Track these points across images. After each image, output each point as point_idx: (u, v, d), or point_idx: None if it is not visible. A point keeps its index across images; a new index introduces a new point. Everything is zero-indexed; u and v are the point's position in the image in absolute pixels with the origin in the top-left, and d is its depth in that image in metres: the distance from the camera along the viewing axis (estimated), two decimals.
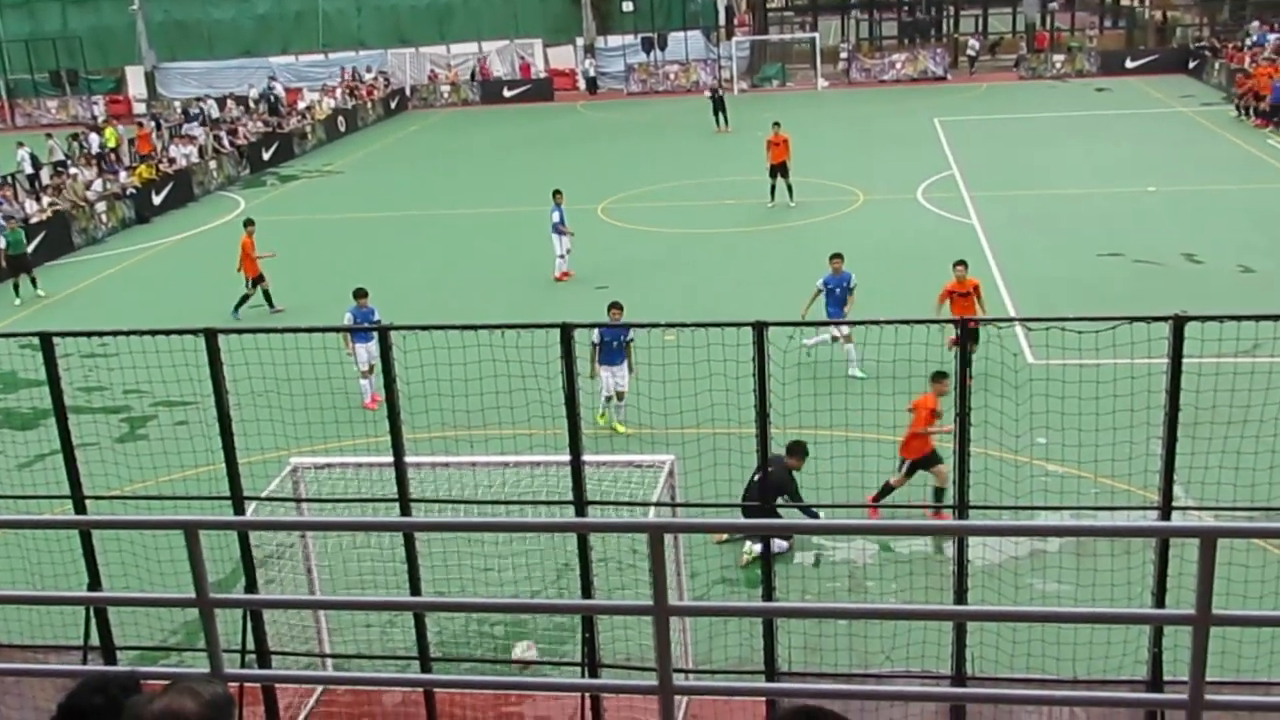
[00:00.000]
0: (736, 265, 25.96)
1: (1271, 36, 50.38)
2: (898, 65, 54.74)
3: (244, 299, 24.02)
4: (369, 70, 55.83)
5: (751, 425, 9.50)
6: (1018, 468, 13.98)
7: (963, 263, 18.43)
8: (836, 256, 19.61)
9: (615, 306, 16.62)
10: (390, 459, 9.49)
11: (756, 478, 13.23)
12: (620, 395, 16.95)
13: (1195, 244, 25.69)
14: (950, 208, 30.01)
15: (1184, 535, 8.38)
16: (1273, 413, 11.21)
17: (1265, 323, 8.91)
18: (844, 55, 56.26)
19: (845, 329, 18.68)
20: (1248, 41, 49.96)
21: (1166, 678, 8.93)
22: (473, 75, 56.43)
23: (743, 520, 11.12)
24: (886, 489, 13.81)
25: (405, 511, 9.29)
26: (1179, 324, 8.57)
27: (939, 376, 13.49)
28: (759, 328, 9.18)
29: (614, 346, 16.76)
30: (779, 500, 13.46)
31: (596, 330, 16.40)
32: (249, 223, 24.63)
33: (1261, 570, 11.39)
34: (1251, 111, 39.61)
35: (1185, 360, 8.70)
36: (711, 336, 10.42)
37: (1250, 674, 9.74)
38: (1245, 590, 10.99)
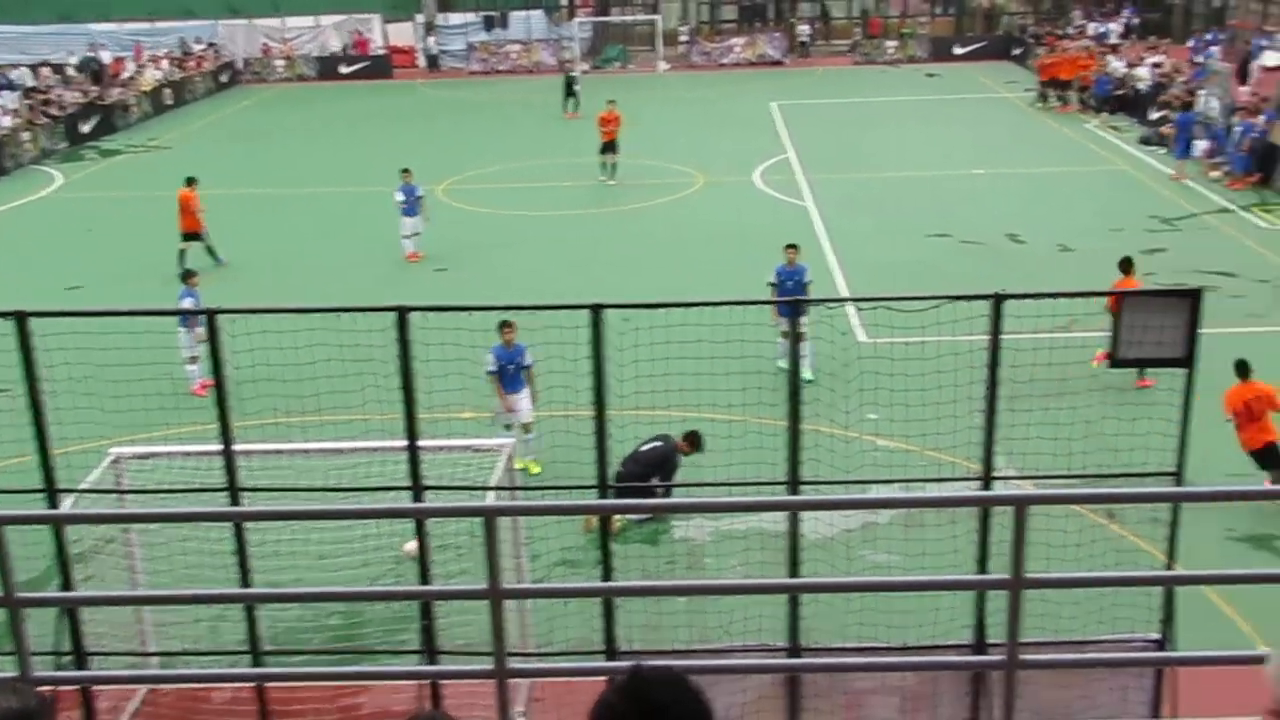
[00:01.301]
0: (577, 247, 26.00)
1: (1093, 25, 52.56)
2: (737, 49, 55.36)
3: (182, 254, 24.05)
4: (198, 41, 54.04)
5: (593, 407, 9.54)
6: (848, 443, 14.33)
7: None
8: (791, 246, 18.39)
9: (507, 326, 15.07)
10: (219, 447, 9.26)
11: (644, 448, 13.39)
12: (526, 427, 15.35)
13: (1018, 224, 26.66)
14: (786, 190, 30.55)
15: (998, 504, 8.70)
16: (1085, 384, 11.72)
17: (1079, 298, 9.31)
18: (685, 38, 56.66)
19: (801, 325, 17.95)
20: (1069, 29, 52.01)
21: (991, 641, 9.29)
22: (346, 48, 54.87)
23: (571, 502, 11.15)
24: None
25: (235, 501, 9.08)
26: (998, 301, 8.89)
27: None
28: (595, 310, 9.22)
29: (511, 371, 15.21)
30: (654, 478, 13.60)
31: (490, 356, 15.08)
32: (192, 180, 24.69)
33: (1078, 534, 11.91)
34: (1056, 98, 41.14)
35: (1005, 336, 9.03)
36: (549, 319, 10.43)
37: (1068, 634, 10.18)
38: (1064, 554, 11.50)
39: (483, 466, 10.27)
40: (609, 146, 31.97)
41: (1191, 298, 9.00)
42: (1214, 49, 42.40)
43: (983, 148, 35.14)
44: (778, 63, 54.67)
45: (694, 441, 13.55)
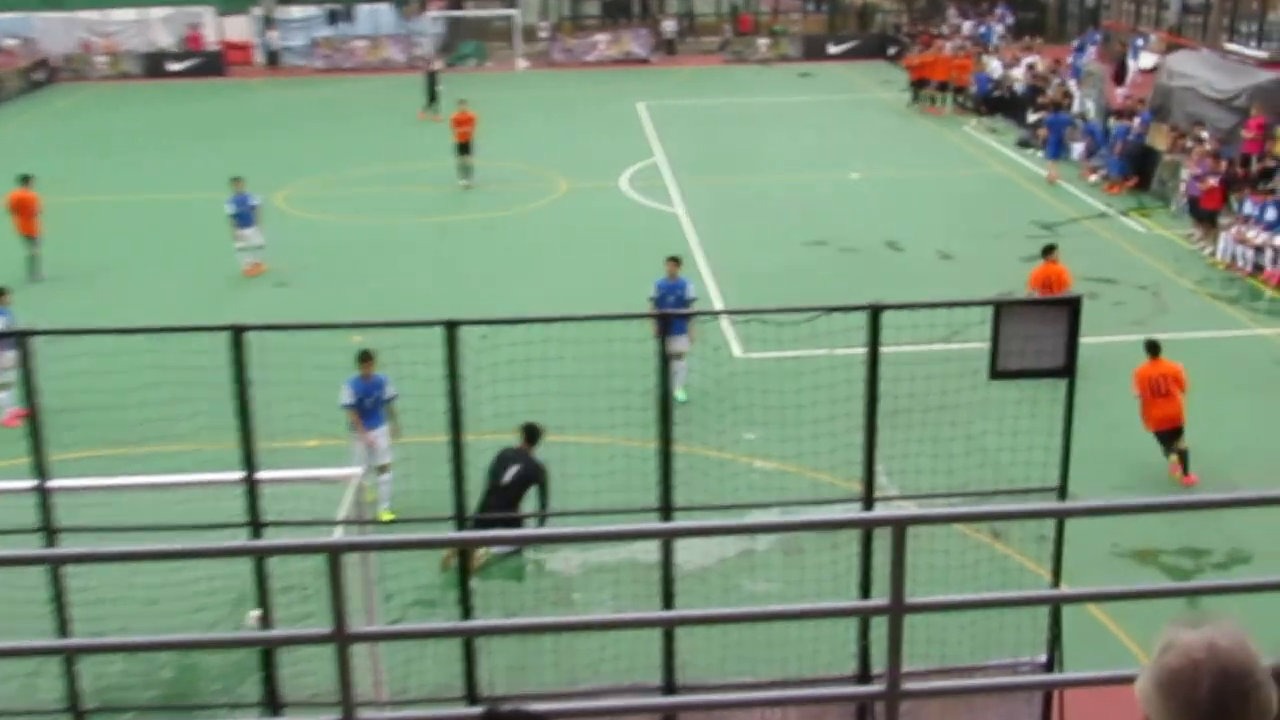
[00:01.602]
0: (431, 259, 25.79)
1: (968, 24, 54.03)
2: (601, 46, 55.61)
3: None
4: (11, 36, 52.27)
5: (450, 432, 9.43)
6: (724, 465, 14.43)
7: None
8: (672, 259, 18.19)
9: (366, 359, 14.59)
10: (33, 483, 8.92)
11: (509, 479, 13.21)
12: (383, 468, 14.89)
13: (897, 231, 27.25)
14: (656, 196, 30.75)
15: (877, 525, 8.82)
16: (968, 398, 12.00)
17: (961, 308, 9.51)
18: (545, 34, 56.71)
19: (682, 343, 17.32)
20: (944, 28, 53.38)
21: (876, 670, 9.42)
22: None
23: (427, 535, 11.01)
24: None
25: (51, 543, 8.76)
26: (876, 313, 9.04)
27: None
28: (450, 326, 9.13)
29: (369, 405, 14.75)
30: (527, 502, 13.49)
31: (346, 389, 14.65)
32: (27, 178, 24.98)
33: (962, 556, 12.17)
34: (926, 98, 42.16)
35: (884, 349, 9.19)
36: (401, 337, 10.29)
37: (955, 660, 10.37)
38: (948, 577, 11.73)
39: (329, 499, 10.08)
40: (464, 148, 31.94)
41: (1071, 306, 9.27)
42: (1090, 50, 43.92)
43: (859, 151, 35.87)
44: (644, 61, 55.06)
45: (532, 437, 13.39)
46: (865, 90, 47.02)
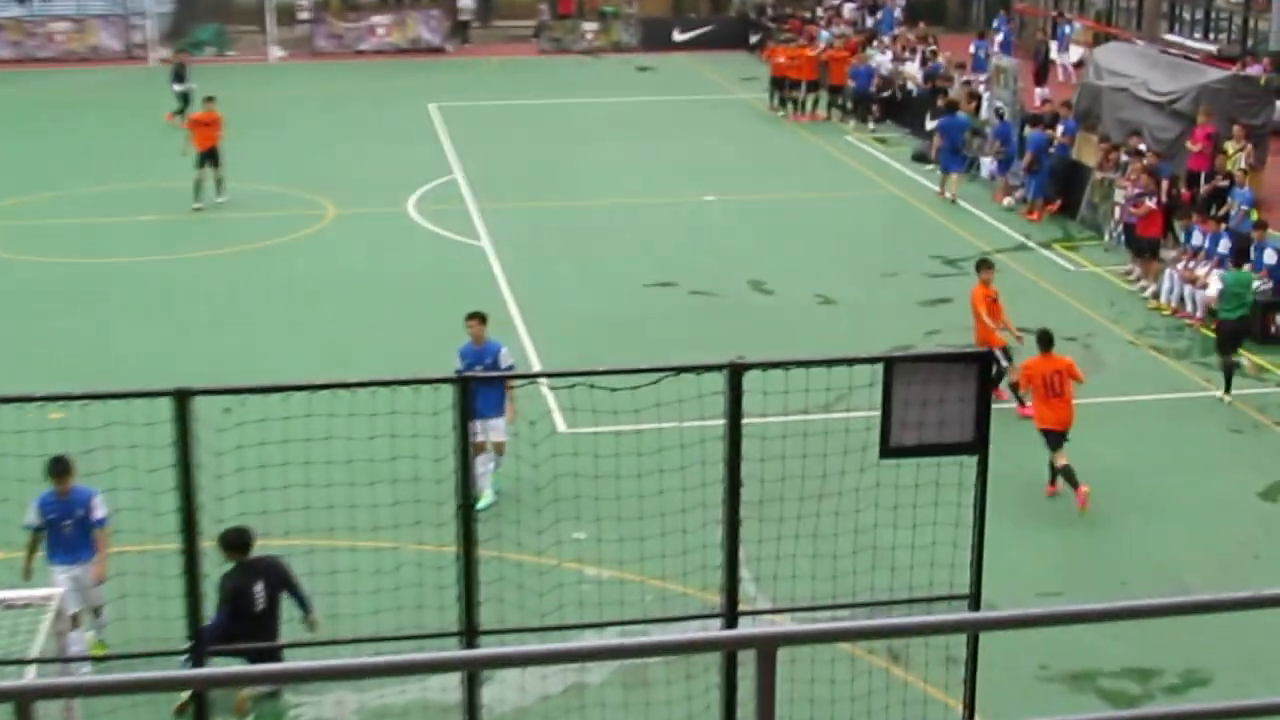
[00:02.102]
0: (158, 308, 25.34)
1: (850, 5, 55.40)
2: (379, 31, 55.59)
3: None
4: None
5: (181, 538, 9.27)
6: (545, 574, 14.42)
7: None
8: (475, 317, 17.91)
9: (61, 470, 14.07)
10: None
11: (261, 603, 12.93)
12: (96, 610, 14.49)
13: (764, 269, 27.71)
14: (453, 224, 30.77)
15: (740, 646, 8.94)
16: (855, 482, 12.22)
17: (845, 368, 9.72)
18: (307, 15, 56.48)
19: (499, 431, 17.30)
20: (819, 12, 54.59)
21: None
22: None
23: (152, 674, 10.73)
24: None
25: None
26: (736, 374, 9.19)
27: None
28: (181, 397, 9.00)
29: (67, 529, 14.17)
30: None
31: (33, 508, 14.15)
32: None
33: (852, 684, 12.34)
34: (790, 104, 43.13)
35: (748, 420, 9.33)
36: (116, 411, 10.09)
37: None
38: (834, 711, 11.87)
39: (17, 630, 9.80)
40: (208, 157, 31.56)
41: (980, 363, 9.55)
42: (1000, 39, 45.42)
43: (714, 167, 36.47)
44: (437, 50, 55.22)
45: (239, 544, 13.12)
46: (722, 89, 47.86)
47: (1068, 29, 48.87)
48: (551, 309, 25.25)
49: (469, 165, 36.22)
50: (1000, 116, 34.41)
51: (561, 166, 36.35)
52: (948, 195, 33.09)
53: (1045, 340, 18.71)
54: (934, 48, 44.03)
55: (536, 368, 21.94)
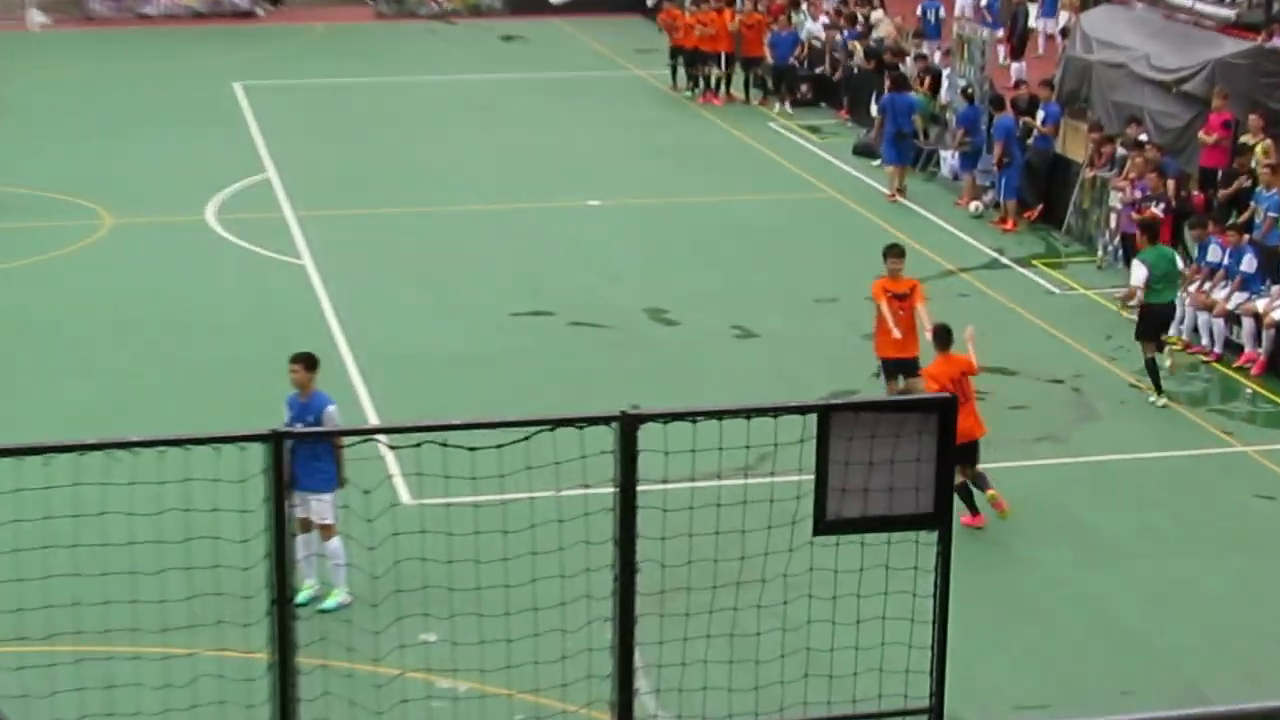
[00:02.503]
0: None
1: None
2: None
3: None
4: None
5: None
6: (383, 687, 14.32)
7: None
8: (299, 361, 17.81)
9: None
10: None
11: None
12: None
13: (664, 292, 27.74)
14: (266, 238, 30.56)
15: None
16: (783, 565, 12.24)
17: (769, 419, 9.73)
18: None
19: (324, 510, 17.23)
20: None
21: None
22: None
23: None
24: None
25: None
26: (630, 427, 9.17)
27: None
28: None
29: None
30: None
31: None
32: None
33: None
34: (699, 82, 43.47)
35: (644, 486, 9.32)
36: None
37: None
38: None
39: None
40: None
41: (941, 411, 9.60)
42: (964, 3, 45.71)
43: (601, 164, 36.64)
44: (245, 15, 54.93)
45: None
46: (610, 64, 48.02)
47: None
48: (392, 346, 25.13)
49: (286, 162, 36.03)
50: (969, 98, 34.51)
51: (404, 163, 36.31)
52: (893, 194, 33.45)
53: (943, 337, 19.76)
54: (880, 10, 44.26)
55: (373, 421, 21.80)
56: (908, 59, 38.93)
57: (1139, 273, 23.55)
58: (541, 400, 22.00)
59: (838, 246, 30.91)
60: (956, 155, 34.34)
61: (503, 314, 26.74)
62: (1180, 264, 24.73)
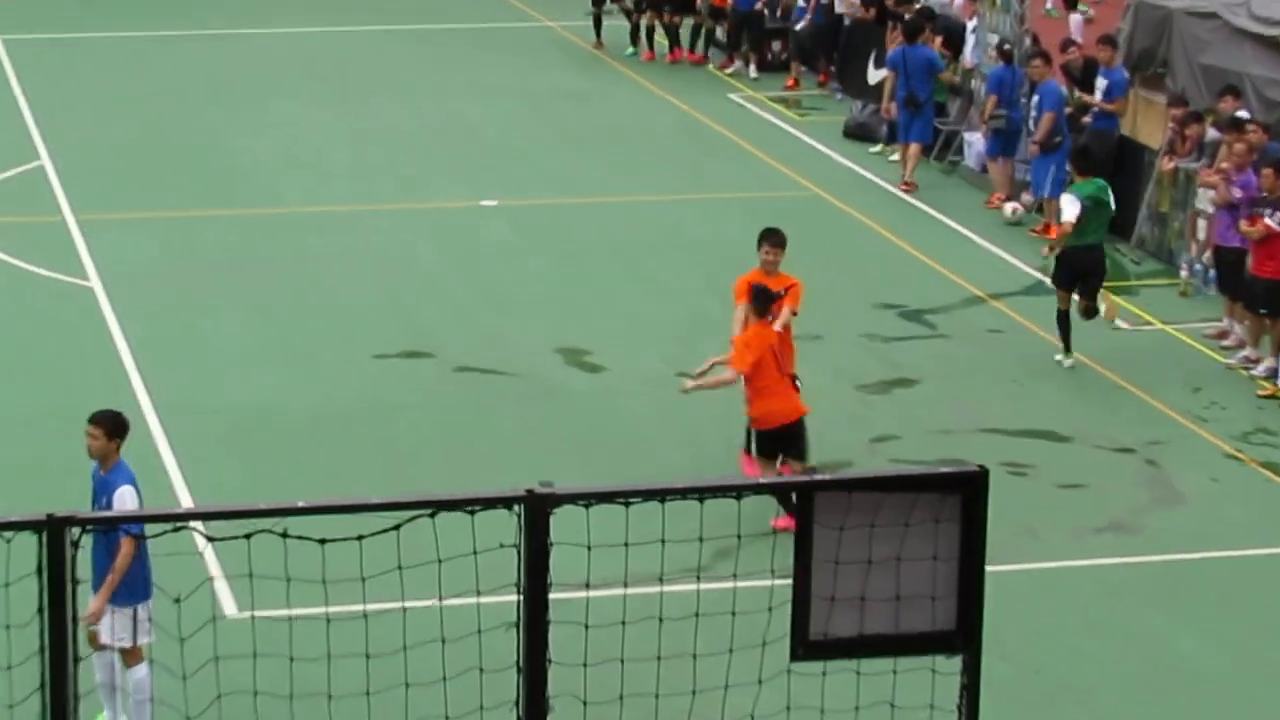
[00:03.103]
0: None
1: None
2: None
3: None
4: None
5: None
6: None
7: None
8: (97, 423, 17.83)
9: None
10: None
11: None
12: None
13: (585, 326, 27.78)
14: (39, 250, 30.55)
15: None
16: (749, 702, 12.31)
17: (729, 500, 9.82)
18: None
19: (125, 631, 17.23)
20: None
21: None
22: None
23: None
24: None
25: None
26: (538, 510, 9.26)
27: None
28: None
29: None
30: None
31: None
32: None
33: None
34: (643, 33, 43.73)
35: (561, 595, 9.40)
36: None
37: None
38: None
39: None
40: None
41: (968, 489, 9.68)
42: None
43: (497, 150, 36.84)
44: None
45: None
46: (511, 10, 48.15)
47: None
48: (211, 399, 25.13)
49: (65, 145, 36.12)
50: (1007, 58, 34.41)
51: (225, 148, 36.47)
52: (907, 183, 33.80)
53: (762, 299, 21.61)
54: None
55: (185, 502, 21.76)
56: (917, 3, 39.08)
57: (1070, 210, 25.56)
58: (419, 473, 22.02)
59: (823, 263, 30.84)
60: (987, 136, 34.41)
61: (363, 356, 26.71)
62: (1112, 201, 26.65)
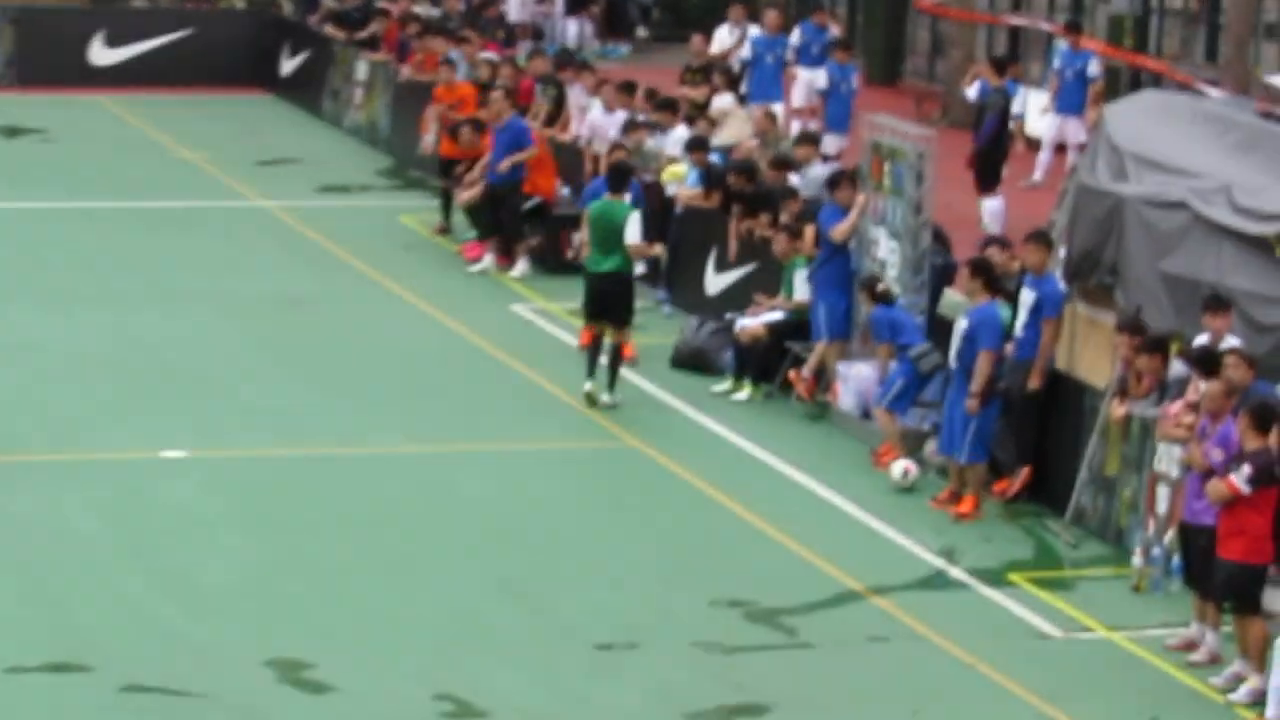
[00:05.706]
0: None
1: None
2: None
3: None
4: None
5: None
6: None
7: None
8: None
9: None
10: None
11: None
12: None
13: (308, 630, 27.93)
14: None
15: None
16: None
17: None
18: None
19: None
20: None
21: None
22: None
23: None
24: None
25: None
26: None
27: None
28: None
29: None
30: None
31: None
32: None
33: None
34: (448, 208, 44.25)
35: None
36: None
37: None
38: None
39: None
40: None
41: None
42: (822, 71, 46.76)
43: (194, 379, 37.16)
44: None
45: None
46: (210, 184, 48.76)
47: (1062, 58, 50.19)
48: None
49: None
50: (882, 299, 34.65)
51: None
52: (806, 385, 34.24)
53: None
54: (728, 95, 45.17)
55: None
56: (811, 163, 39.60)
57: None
58: None
59: (640, 541, 31.17)
60: (873, 369, 35.07)
61: None
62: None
